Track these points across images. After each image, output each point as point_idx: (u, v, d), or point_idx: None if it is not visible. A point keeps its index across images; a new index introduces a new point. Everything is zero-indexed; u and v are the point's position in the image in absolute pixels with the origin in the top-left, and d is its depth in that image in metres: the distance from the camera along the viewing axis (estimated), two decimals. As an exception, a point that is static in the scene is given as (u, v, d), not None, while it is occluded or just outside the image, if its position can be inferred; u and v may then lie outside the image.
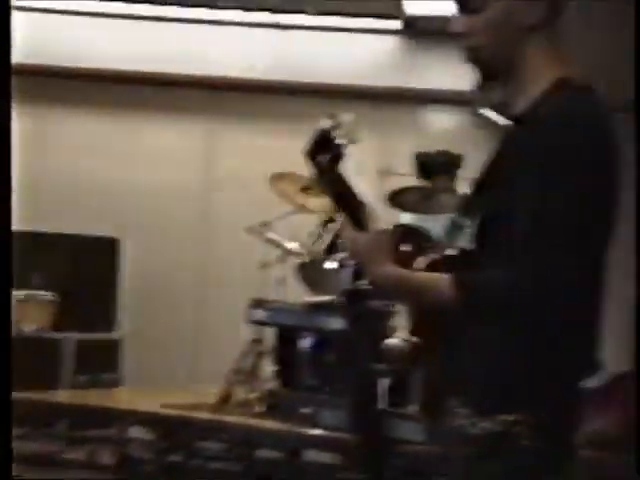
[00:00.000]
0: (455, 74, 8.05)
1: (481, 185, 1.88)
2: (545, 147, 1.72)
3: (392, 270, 1.86)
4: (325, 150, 1.87)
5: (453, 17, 1.88)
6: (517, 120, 1.86)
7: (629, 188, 1.92)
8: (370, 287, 1.94)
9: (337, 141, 1.86)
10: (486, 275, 1.75)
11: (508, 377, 1.79)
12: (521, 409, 1.78)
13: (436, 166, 5.70)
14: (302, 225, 5.40)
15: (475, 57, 1.88)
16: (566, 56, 1.87)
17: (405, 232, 4.98)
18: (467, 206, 1.91)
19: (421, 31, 7.29)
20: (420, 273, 1.86)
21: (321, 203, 5.63)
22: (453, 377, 1.88)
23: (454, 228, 1.91)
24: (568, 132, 1.73)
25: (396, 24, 7.26)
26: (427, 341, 1.92)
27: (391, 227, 5.00)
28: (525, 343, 1.76)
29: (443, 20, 7.36)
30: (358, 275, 4.81)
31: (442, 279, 1.76)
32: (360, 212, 1.90)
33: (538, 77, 1.84)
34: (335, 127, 1.87)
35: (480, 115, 6.89)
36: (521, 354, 1.77)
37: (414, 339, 1.92)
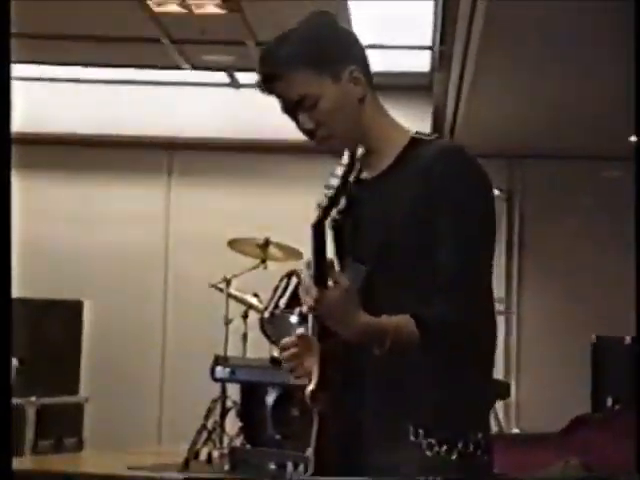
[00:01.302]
0: (408, 124, 8.19)
1: (365, 232, 1.96)
2: (453, 193, 1.91)
3: (367, 323, 1.85)
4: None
5: (300, 119, 2.02)
6: (385, 173, 2.01)
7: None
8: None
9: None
10: (438, 313, 1.86)
11: (460, 403, 1.92)
12: (471, 432, 1.91)
13: None
14: (263, 280, 5.42)
15: (331, 144, 2.03)
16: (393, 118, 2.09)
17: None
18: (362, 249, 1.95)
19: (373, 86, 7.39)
20: (387, 318, 1.85)
21: (280, 256, 5.67)
22: (405, 407, 1.91)
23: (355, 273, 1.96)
24: (470, 176, 1.95)
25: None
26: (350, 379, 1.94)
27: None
28: (472, 371, 1.94)
29: (394, 75, 7.50)
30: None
31: (407, 321, 1.85)
32: (327, 268, 1.86)
33: (391, 139, 2.03)
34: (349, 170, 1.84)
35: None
36: (474, 379, 1.94)
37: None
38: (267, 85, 2.03)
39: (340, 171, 1.83)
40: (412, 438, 1.90)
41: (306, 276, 1.88)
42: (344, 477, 1.98)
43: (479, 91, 6.11)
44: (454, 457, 1.89)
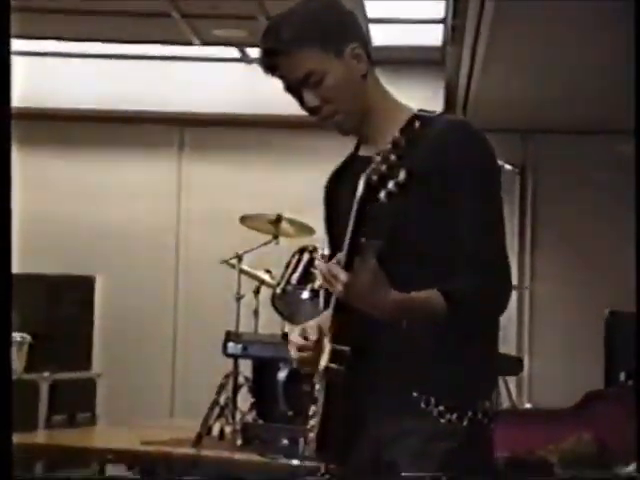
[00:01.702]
0: (420, 100, 8.16)
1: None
2: (467, 167, 1.96)
3: (396, 300, 1.87)
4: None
5: (305, 96, 2.04)
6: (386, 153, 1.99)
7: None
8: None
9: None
10: (466, 287, 1.90)
11: (472, 373, 1.98)
12: (480, 400, 1.98)
13: None
14: (275, 256, 5.42)
15: (335, 120, 2.07)
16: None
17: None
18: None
19: (385, 60, 7.36)
20: (416, 294, 1.89)
21: (292, 232, 5.67)
22: (417, 377, 1.95)
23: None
24: (482, 149, 2.00)
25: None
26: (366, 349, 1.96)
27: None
28: (484, 341, 2.01)
29: (406, 50, 7.47)
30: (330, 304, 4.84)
31: (435, 295, 1.89)
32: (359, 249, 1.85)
33: (392, 116, 2.05)
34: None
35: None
36: (484, 350, 2.02)
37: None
38: (272, 63, 2.04)
39: (385, 154, 1.80)
40: (423, 406, 1.94)
41: (326, 264, 1.89)
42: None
43: (492, 65, 6.08)
44: (465, 424, 1.94)
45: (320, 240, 5.40)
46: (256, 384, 5.21)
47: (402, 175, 1.76)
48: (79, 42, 7.29)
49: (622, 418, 3.77)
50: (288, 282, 5.07)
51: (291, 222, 5.63)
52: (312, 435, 2.03)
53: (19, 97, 8.25)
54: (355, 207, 1.84)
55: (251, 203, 6.16)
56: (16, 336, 5.12)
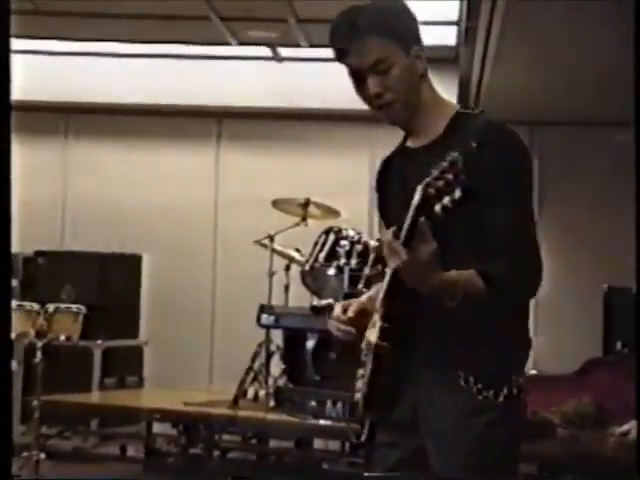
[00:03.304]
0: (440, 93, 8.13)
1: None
2: (504, 162, 1.95)
3: (444, 279, 1.87)
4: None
5: (369, 81, 2.03)
6: (435, 143, 2.03)
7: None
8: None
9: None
10: (504, 269, 1.90)
11: (507, 352, 1.97)
12: (514, 376, 1.97)
13: None
14: (303, 237, 5.43)
15: (391, 109, 2.06)
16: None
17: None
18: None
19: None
20: (459, 273, 1.88)
21: (319, 214, 5.68)
22: (457, 356, 1.95)
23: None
24: (510, 139, 2.00)
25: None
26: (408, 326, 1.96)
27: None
28: (519, 321, 2.02)
29: (427, 49, 7.42)
30: (354, 280, 4.86)
31: (474, 276, 1.88)
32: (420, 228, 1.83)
33: (438, 112, 2.07)
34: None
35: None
36: (517, 329, 2.02)
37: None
38: (346, 47, 2.03)
39: (442, 170, 1.75)
40: (462, 383, 1.94)
41: (389, 236, 1.84)
42: None
43: (501, 63, 6.05)
44: (500, 399, 1.94)
45: (345, 222, 5.43)
46: (287, 352, 5.22)
47: (458, 193, 1.73)
48: (131, 43, 7.33)
49: (618, 383, 3.78)
50: (316, 260, 5.08)
51: (318, 205, 5.64)
52: (359, 396, 2.03)
53: (72, 93, 8.31)
54: (411, 213, 1.81)
55: (282, 188, 6.18)
56: (72, 307, 5.20)
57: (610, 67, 5.88)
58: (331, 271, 4.98)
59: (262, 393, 5.16)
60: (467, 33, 6.45)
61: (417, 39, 2.08)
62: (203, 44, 7.34)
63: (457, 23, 6.41)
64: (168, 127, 7.81)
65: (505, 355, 1.96)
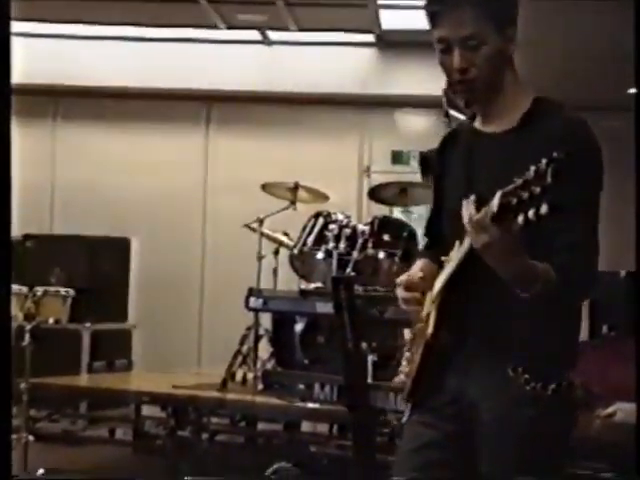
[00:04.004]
0: (424, 80, 8.13)
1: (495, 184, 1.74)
2: (578, 150, 1.83)
3: (527, 265, 1.80)
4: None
5: (456, 54, 1.97)
6: (513, 131, 1.98)
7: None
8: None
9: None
10: (574, 265, 1.86)
11: (559, 345, 1.95)
12: (565, 371, 1.95)
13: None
14: (292, 220, 5.44)
15: (472, 86, 1.99)
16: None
17: (383, 222, 5.02)
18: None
19: (393, 43, 7.34)
20: (538, 262, 1.82)
21: (308, 198, 5.68)
22: (508, 347, 1.92)
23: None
24: (590, 138, 1.94)
25: (371, 37, 7.30)
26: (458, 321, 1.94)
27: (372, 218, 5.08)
28: (572, 318, 1.99)
29: (413, 33, 7.46)
30: (342, 264, 4.86)
31: (550, 268, 1.83)
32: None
33: (517, 99, 2.01)
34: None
35: (449, 116, 6.94)
36: (570, 324, 1.99)
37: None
38: (443, 14, 1.96)
39: (528, 181, 1.61)
40: (511, 373, 1.91)
41: (477, 212, 1.73)
42: None
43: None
44: (549, 392, 1.92)
45: (333, 206, 5.43)
46: (275, 335, 5.23)
47: (545, 209, 1.58)
48: (118, 26, 7.30)
49: (604, 366, 3.80)
50: (304, 244, 5.08)
51: (307, 189, 5.64)
52: (403, 378, 2.02)
53: (61, 76, 8.27)
54: (490, 218, 1.70)
55: (271, 172, 6.17)
56: (61, 290, 5.21)
57: (597, 53, 5.89)
58: (320, 255, 4.98)
59: (250, 376, 5.17)
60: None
61: (514, 21, 2.01)
62: (192, 27, 7.32)
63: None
64: (157, 111, 7.79)
65: (555, 349, 1.94)
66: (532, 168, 1.60)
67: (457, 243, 1.89)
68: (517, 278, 1.80)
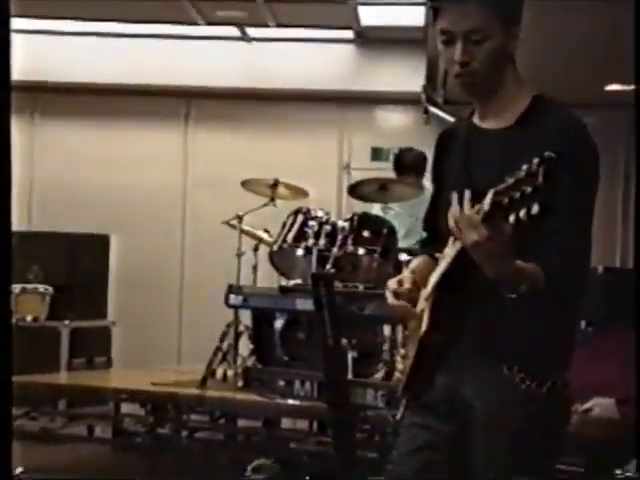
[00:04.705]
0: (403, 76, 8.15)
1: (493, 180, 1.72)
2: (575, 150, 1.85)
3: (516, 267, 1.78)
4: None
5: (458, 47, 1.95)
6: (511, 128, 1.97)
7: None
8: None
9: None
10: (563, 268, 1.85)
11: (554, 345, 1.95)
12: (560, 370, 1.95)
13: (409, 163, 5.86)
14: (272, 217, 5.44)
15: (471, 80, 1.98)
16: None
17: (363, 219, 5.03)
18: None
19: (373, 39, 7.35)
20: (527, 264, 1.80)
21: (287, 195, 5.68)
22: (507, 343, 1.92)
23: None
24: (587, 139, 1.93)
25: (350, 34, 7.30)
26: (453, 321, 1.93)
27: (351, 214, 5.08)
28: (567, 316, 1.99)
29: (392, 29, 7.47)
30: (322, 261, 4.87)
31: (539, 270, 1.82)
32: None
33: (517, 96, 2.00)
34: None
35: (428, 113, 6.96)
36: (566, 325, 1.99)
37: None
38: (448, 5, 1.95)
39: (519, 181, 1.59)
40: (506, 371, 1.91)
41: (469, 210, 1.72)
42: None
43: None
44: (544, 391, 1.92)
45: (313, 202, 5.43)
46: (255, 332, 5.22)
47: (536, 208, 1.55)
48: (96, 22, 7.26)
49: (581, 361, 3.83)
50: (284, 240, 5.09)
51: (287, 186, 5.64)
52: (399, 375, 2.02)
53: (39, 72, 8.23)
54: (481, 217, 1.69)
55: (251, 169, 6.17)
56: (40, 288, 5.17)
57: (575, 49, 5.93)
58: (299, 252, 4.99)
59: (230, 373, 5.17)
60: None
61: (518, 19, 2.01)
62: (171, 24, 7.29)
63: (425, 3, 6.41)
64: (136, 107, 7.76)
65: (551, 348, 1.94)
66: (524, 167, 1.58)
67: (451, 239, 1.87)
68: (504, 278, 1.78)
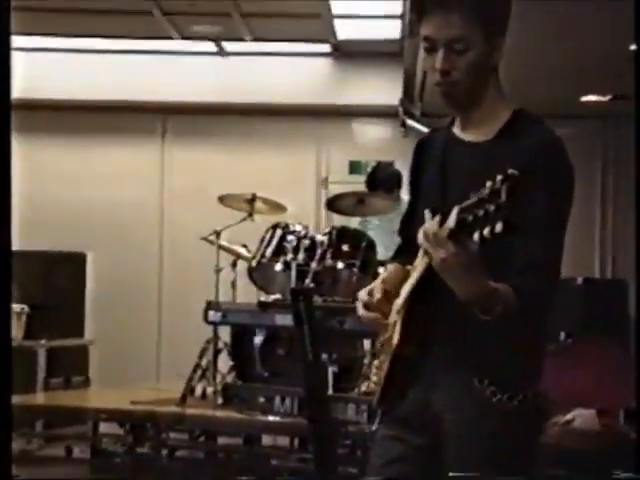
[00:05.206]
0: (380, 89, 8.18)
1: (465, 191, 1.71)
2: (551, 168, 1.87)
3: (488, 285, 1.77)
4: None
5: (440, 55, 1.94)
6: (489, 142, 1.98)
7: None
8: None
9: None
10: (533, 286, 1.84)
11: (525, 359, 1.95)
12: (531, 383, 1.95)
13: (380, 181, 5.87)
14: (250, 232, 5.43)
15: (452, 90, 1.97)
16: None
17: (341, 233, 5.04)
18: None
19: (349, 53, 7.38)
20: (498, 284, 1.79)
21: (265, 210, 5.68)
22: (478, 357, 1.92)
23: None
24: (563, 157, 1.93)
25: (327, 47, 7.33)
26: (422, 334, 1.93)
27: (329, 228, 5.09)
28: (538, 331, 1.97)
29: (369, 43, 7.50)
30: (301, 275, 4.87)
31: (511, 290, 1.81)
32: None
33: (497, 109, 2.00)
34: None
35: (405, 126, 6.99)
36: (536, 339, 1.97)
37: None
38: (431, 13, 1.94)
39: (482, 199, 1.59)
40: (477, 384, 1.92)
41: (436, 227, 1.71)
42: None
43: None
44: (515, 403, 1.92)
45: (291, 217, 5.44)
46: (235, 348, 5.22)
47: (499, 227, 1.54)
48: (72, 38, 7.25)
49: (561, 372, 3.85)
50: (262, 255, 5.09)
51: (264, 201, 5.65)
52: (373, 386, 2.00)
53: (17, 89, 8.12)
54: (447, 234, 1.69)
55: (228, 184, 6.17)
56: (15, 307, 5.12)
57: (551, 62, 5.97)
58: (278, 267, 4.99)
59: (210, 390, 5.15)
60: (411, 26, 6.49)
61: (503, 30, 1.99)
62: (147, 39, 7.29)
63: (401, 17, 6.45)
64: (112, 123, 7.74)
65: (521, 361, 1.94)
66: (488, 184, 1.56)
67: (421, 252, 1.86)
68: (476, 299, 1.77)
